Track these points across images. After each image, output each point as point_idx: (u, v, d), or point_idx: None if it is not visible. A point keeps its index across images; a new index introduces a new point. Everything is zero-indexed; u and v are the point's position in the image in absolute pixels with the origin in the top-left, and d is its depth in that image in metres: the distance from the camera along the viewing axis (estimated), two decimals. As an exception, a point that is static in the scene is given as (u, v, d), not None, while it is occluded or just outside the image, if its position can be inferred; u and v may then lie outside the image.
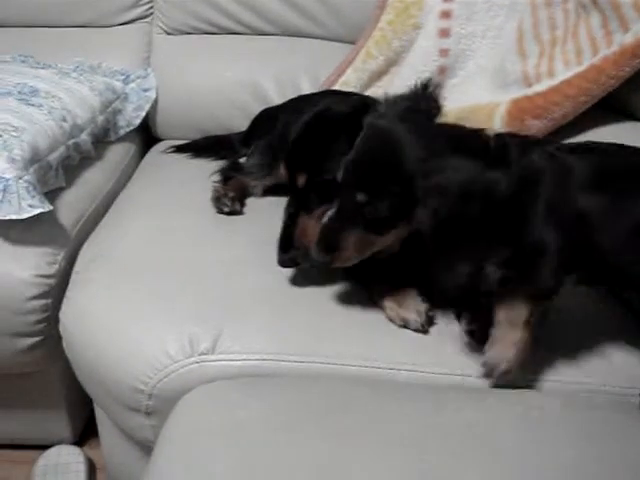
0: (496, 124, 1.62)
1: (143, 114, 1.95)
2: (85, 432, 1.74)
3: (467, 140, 1.20)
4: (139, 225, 1.55)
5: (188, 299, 1.34)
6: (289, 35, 1.98)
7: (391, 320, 1.29)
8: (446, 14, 1.74)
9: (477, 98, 1.71)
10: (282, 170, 1.40)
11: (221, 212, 1.58)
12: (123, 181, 1.82)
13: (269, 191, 1.66)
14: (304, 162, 1.35)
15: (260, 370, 1.24)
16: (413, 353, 1.26)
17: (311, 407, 1.12)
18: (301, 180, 1.35)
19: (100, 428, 1.53)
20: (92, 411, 1.57)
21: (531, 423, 1.11)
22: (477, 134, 1.22)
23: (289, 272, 1.37)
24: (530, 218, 1.15)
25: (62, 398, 1.66)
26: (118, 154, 1.89)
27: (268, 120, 1.74)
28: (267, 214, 1.57)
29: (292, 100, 1.78)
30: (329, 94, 1.76)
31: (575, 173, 1.17)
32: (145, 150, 2.01)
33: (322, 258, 1.25)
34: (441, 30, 1.75)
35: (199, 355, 1.26)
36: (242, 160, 1.73)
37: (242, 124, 1.94)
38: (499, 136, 1.22)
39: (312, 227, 1.31)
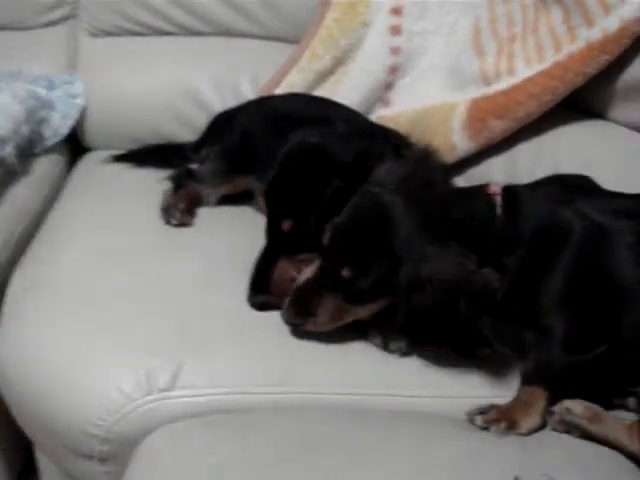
0: (455, 126, 1.54)
1: (71, 123, 1.79)
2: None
3: (469, 212, 1.13)
4: (77, 246, 1.40)
5: (140, 328, 1.22)
6: (226, 35, 1.85)
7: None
8: (397, 11, 1.65)
9: (431, 98, 1.63)
10: (260, 204, 1.29)
11: (168, 223, 1.45)
12: (53, 197, 1.66)
13: (223, 200, 1.55)
14: (292, 206, 1.25)
15: (228, 405, 1.13)
16: (391, 377, 1.17)
17: (289, 446, 1.02)
18: (286, 225, 1.25)
19: (42, 475, 1.38)
20: (31, 455, 1.42)
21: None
22: (479, 198, 1.14)
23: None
24: (539, 298, 1.10)
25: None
26: (45, 167, 1.72)
27: (223, 125, 1.62)
28: (221, 226, 1.48)
29: (251, 103, 1.66)
30: (297, 98, 1.65)
31: (614, 240, 1.10)
32: (74, 162, 1.85)
33: (294, 320, 1.17)
34: (392, 27, 1.66)
35: (159, 392, 1.14)
36: (194, 167, 1.60)
37: (179, 131, 1.82)
38: (510, 191, 1.15)
39: (290, 275, 1.22)
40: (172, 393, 1.13)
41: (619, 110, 1.45)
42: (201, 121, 1.77)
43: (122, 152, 1.76)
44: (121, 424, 1.12)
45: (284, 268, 1.24)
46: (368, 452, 0.99)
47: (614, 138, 1.45)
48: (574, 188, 1.18)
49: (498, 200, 1.15)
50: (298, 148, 1.29)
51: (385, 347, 1.18)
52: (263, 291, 1.23)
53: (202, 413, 1.11)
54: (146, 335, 1.20)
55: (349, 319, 1.17)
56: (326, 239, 1.16)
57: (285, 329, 1.21)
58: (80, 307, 1.26)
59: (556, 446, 1.05)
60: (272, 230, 1.27)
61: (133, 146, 1.80)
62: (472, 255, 1.08)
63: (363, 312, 1.16)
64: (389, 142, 1.35)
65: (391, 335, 1.18)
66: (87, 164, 1.80)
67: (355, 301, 1.14)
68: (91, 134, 1.86)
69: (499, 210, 1.14)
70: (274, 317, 1.22)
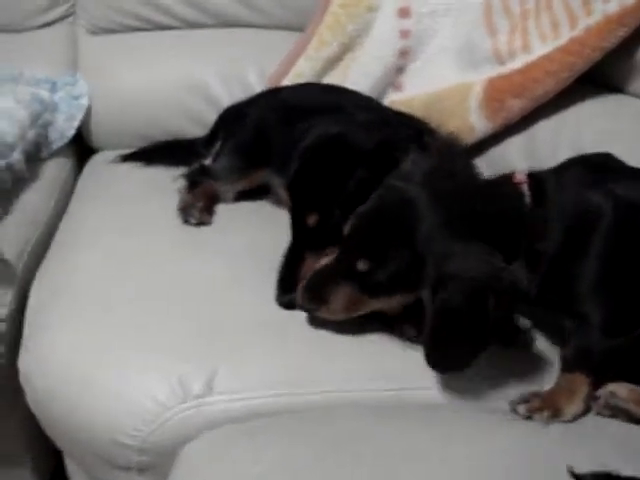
0: (471, 106, 1.52)
1: (77, 124, 1.75)
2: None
3: (498, 203, 1.10)
4: (95, 251, 1.37)
5: (169, 333, 1.19)
6: (228, 26, 1.81)
7: None
8: (405, -7, 1.62)
9: (445, 80, 1.59)
10: (283, 198, 1.25)
11: (187, 223, 1.42)
12: (64, 201, 1.63)
13: (240, 196, 1.52)
14: (316, 199, 1.22)
15: (265, 408, 1.11)
16: (425, 372, 1.13)
17: (330, 448, 0.99)
18: (312, 220, 1.22)
19: (73, 484, 1.36)
20: (61, 462, 1.40)
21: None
22: (506, 189, 1.11)
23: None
24: (575, 285, 1.07)
25: (23, 451, 1.47)
26: (53, 171, 1.68)
27: (234, 118, 1.58)
28: (240, 223, 1.45)
29: (261, 95, 1.63)
30: (308, 87, 1.62)
31: None
32: (80, 164, 1.82)
33: (307, 305, 1.15)
34: (400, 10, 1.62)
35: (194, 398, 1.11)
36: (208, 163, 1.57)
37: (188, 127, 1.79)
38: (535, 178, 1.12)
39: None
40: (208, 399, 1.11)
41: (637, 83, 1.43)
42: (209, 115, 1.75)
43: (130, 151, 1.73)
44: (157, 434, 1.10)
45: (311, 264, 1.21)
46: (414, 449, 0.97)
47: (635, 111, 1.42)
48: (599, 169, 1.15)
49: (525, 189, 1.12)
50: (320, 140, 1.26)
51: (419, 337, 1.16)
52: (291, 289, 1.20)
53: (240, 418, 1.09)
54: (176, 340, 1.17)
55: (365, 310, 1.14)
56: (347, 228, 1.13)
57: (315, 329, 1.18)
58: (104, 314, 1.23)
59: (603, 432, 1.03)
60: (297, 226, 1.24)
61: (141, 144, 1.76)
62: (498, 253, 1.05)
63: (379, 304, 1.13)
64: (410, 128, 1.31)
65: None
66: (95, 165, 1.76)
67: (371, 293, 1.11)
68: (97, 134, 1.82)
69: (527, 199, 1.11)
70: (304, 315, 1.20)
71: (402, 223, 1.08)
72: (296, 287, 1.18)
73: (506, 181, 1.14)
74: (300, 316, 1.20)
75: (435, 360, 1.08)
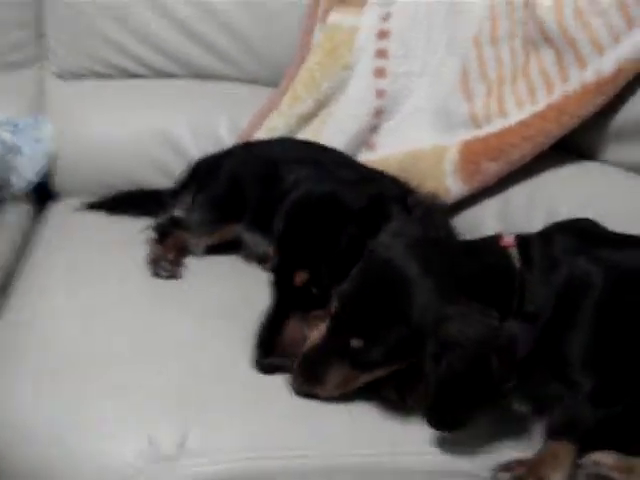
0: (447, 169, 1.51)
1: (39, 169, 1.71)
2: None
3: (486, 267, 1.09)
4: (59, 305, 1.31)
5: (139, 391, 1.13)
6: (201, 77, 1.81)
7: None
8: (382, 53, 1.63)
9: (419, 142, 1.60)
10: (258, 253, 1.24)
11: (157, 276, 1.38)
12: (24, 248, 1.57)
13: (210, 250, 1.49)
14: (306, 258, 1.17)
15: (241, 472, 1.05)
16: (413, 435, 1.11)
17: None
18: (300, 278, 1.17)
19: None
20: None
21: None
22: (494, 252, 1.10)
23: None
24: (565, 352, 1.06)
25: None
26: (14, 217, 1.63)
27: (207, 170, 1.55)
28: (211, 277, 1.42)
29: (236, 148, 1.61)
30: (286, 142, 1.61)
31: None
32: (41, 211, 1.76)
33: (302, 389, 1.12)
34: (377, 70, 1.63)
35: (165, 460, 1.05)
36: (179, 215, 1.54)
37: (154, 177, 1.77)
38: (523, 241, 1.11)
39: (302, 333, 1.17)
40: (180, 462, 1.05)
41: (612, 151, 1.44)
42: (177, 167, 1.73)
43: (96, 200, 1.68)
44: (125, 496, 1.04)
45: (295, 325, 1.17)
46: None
47: (610, 179, 1.43)
48: (586, 234, 1.15)
49: (514, 252, 1.11)
50: (309, 197, 1.23)
51: (402, 402, 1.13)
52: (272, 352, 1.16)
53: (213, 482, 1.04)
54: (146, 398, 1.11)
55: (358, 385, 1.11)
56: (334, 306, 1.10)
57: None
58: (69, 373, 1.16)
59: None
60: (282, 284, 1.20)
61: (105, 192, 1.72)
62: (493, 311, 1.04)
63: (373, 377, 1.11)
64: (394, 186, 1.30)
65: (407, 389, 1.12)
66: (58, 212, 1.71)
67: (365, 369, 1.09)
68: (62, 180, 1.78)
69: (517, 263, 1.10)
70: (282, 376, 1.16)
71: (393, 296, 1.05)
72: (276, 350, 1.15)
73: (493, 243, 1.13)
74: (276, 376, 1.16)
75: (438, 422, 1.05)
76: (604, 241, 1.14)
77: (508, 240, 1.12)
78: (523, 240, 1.13)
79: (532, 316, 1.07)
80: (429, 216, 1.18)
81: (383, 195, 1.22)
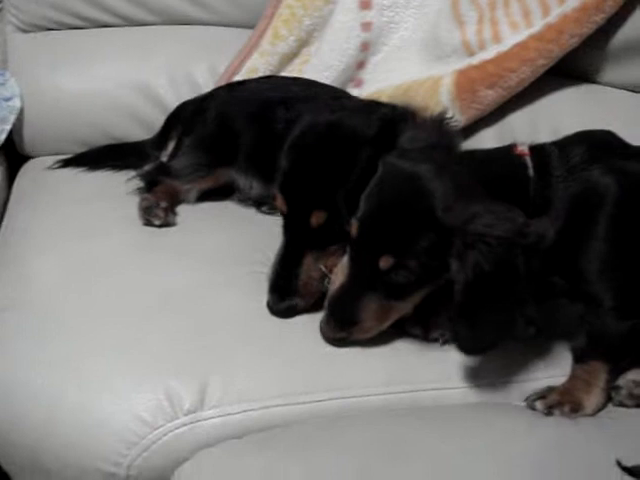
0: (443, 99, 1.45)
1: (8, 128, 1.59)
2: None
3: (500, 174, 1.04)
4: (51, 259, 1.24)
5: (151, 346, 1.07)
6: (174, 23, 1.70)
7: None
8: (365, -17, 1.56)
9: (410, 74, 1.53)
10: (279, 200, 1.12)
11: (150, 225, 1.31)
12: (2, 212, 1.48)
13: (203, 196, 1.41)
14: (321, 196, 1.08)
15: (268, 421, 1.00)
16: (436, 370, 1.07)
17: (364, 465, 0.88)
18: (318, 219, 1.09)
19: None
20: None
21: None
22: (509, 160, 1.05)
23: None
24: (583, 261, 1.01)
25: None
26: (-15, 179, 1.54)
27: (193, 114, 1.47)
28: (208, 224, 1.35)
29: (221, 89, 1.52)
30: (274, 80, 1.52)
31: None
32: (11, 172, 1.66)
33: (337, 334, 1.05)
34: (362, 2, 1.55)
35: (185, 415, 1.00)
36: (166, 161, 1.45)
37: (132, 130, 1.66)
38: (538, 151, 1.06)
39: (318, 271, 1.10)
40: (202, 414, 1.00)
41: (612, 72, 1.40)
42: (155, 117, 1.64)
43: (71, 156, 1.59)
44: (145, 457, 0.98)
45: (311, 264, 1.11)
46: (447, 452, 0.89)
47: (612, 100, 1.39)
48: (603, 145, 1.10)
49: (528, 161, 1.06)
50: (313, 127, 1.13)
51: (426, 336, 1.08)
52: (289, 294, 1.10)
53: (239, 434, 0.98)
54: (158, 352, 1.06)
55: (396, 317, 1.05)
56: (354, 230, 1.03)
57: (312, 330, 1.08)
58: (71, 330, 1.10)
59: (632, 421, 0.98)
60: (296, 226, 1.11)
61: (81, 150, 1.62)
62: (518, 209, 0.99)
63: (407, 307, 1.05)
64: (400, 110, 1.22)
65: (431, 322, 1.08)
66: (31, 172, 1.60)
67: (398, 295, 1.02)
68: (31, 140, 1.66)
69: (531, 171, 1.05)
70: (297, 320, 1.11)
71: (415, 203, 0.99)
72: (295, 292, 1.09)
73: (507, 151, 1.08)
74: (292, 319, 1.10)
75: (466, 340, 1.00)
76: (621, 152, 1.09)
77: (522, 149, 1.07)
78: (538, 149, 1.08)
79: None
80: (439, 127, 1.11)
81: (394, 118, 1.14)
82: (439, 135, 1.11)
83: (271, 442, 0.94)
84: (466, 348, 1.02)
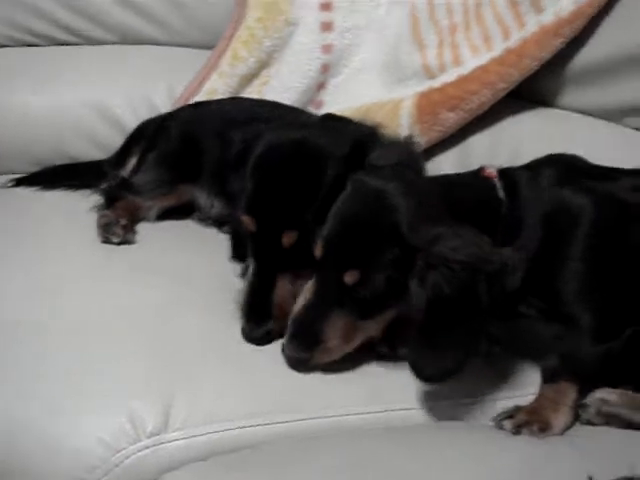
0: (403, 121, 1.46)
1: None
2: None
3: (470, 197, 1.05)
4: (8, 281, 1.19)
5: (112, 366, 1.04)
6: (132, 43, 1.68)
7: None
8: (326, 6, 1.55)
9: (372, 96, 1.53)
10: (245, 220, 1.09)
11: (108, 242, 1.28)
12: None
13: (163, 214, 1.39)
14: (292, 215, 1.06)
15: (235, 442, 0.98)
16: (405, 389, 1.05)
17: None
18: (289, 239, 1.06)
19: None
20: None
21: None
22: (478, 183, 1.06)
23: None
24: (560, 281, 1.02)
25: None
26: None
27: (156, 131, 1.45)
28: (168, 243, 1.33)
29: (184, 108, 1.51)
30: (237, 100, 1.52)
31: (630, 211, 1.04)
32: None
33: (300, 354, 1.02)
34: (323, 24, 1.56)
35: (148, 437, 0.97)
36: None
37: (89, 151, 1.63)
38: (507, 174, 1.07)
39: (291, 292, 1.08)
40: (166, 436, 0.96)
41: (570, 97, 1.42)
42: (112, 137, 1.62)
43: (25, 174, 1.55)
44: (106, 480, 0.94)
45: (284, 287, 1.08)
46: (416, 472, 0.87)
47: (570, 125, 1.41)
48: (572, 166, 1.12)
49: (497, 183, 1.07)
50: (281, 147, 1.11)
51: (393, 353, 1.07)
52: (264, 319, 1.07)
53: (204, 456, 0.95)
54: (120, 373, 1.03)
55: (361, 338, 1.03)
56: (319, 247, 1.02)
57: (279, 349, 1.06)
58: (29, 349, 1.06)
59: (601, 438, 0.97)
60: (266, 248, 1.08)
61: (35, 169, 1.59)
62: (485, 236, 0.99)
63: (374, 326, 1.04)
64: (365, 129, 1.21)
65: (397, 339, 1.07)
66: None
67: (365, 312, 1.01)
68: (-17, 157, 1.63)
69: (500, 193, 1.06)
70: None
71: (381, 217, 0.99)
72: (269, 317, 1.06)
73: (475, 174, 1.09)
74: (259, 339, 1.08)
75: (424, 365, 0.99)
76: (590, 172, 1.11)
77: (490, 171, 1.08)
78: (506, 172, 1.09)
79: (519, 247, 1.03)
80: (408, 148, 1.11)
81: (364, 137, 1.13)
82: (407, 155, 1.11)
83: (238, 464, 0.91)
84: (424, 375, 1.01)
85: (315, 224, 1.04)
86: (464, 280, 0.95)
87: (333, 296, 1.01)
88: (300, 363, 1.03)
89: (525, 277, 1.02)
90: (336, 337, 1.01)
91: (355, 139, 1.12)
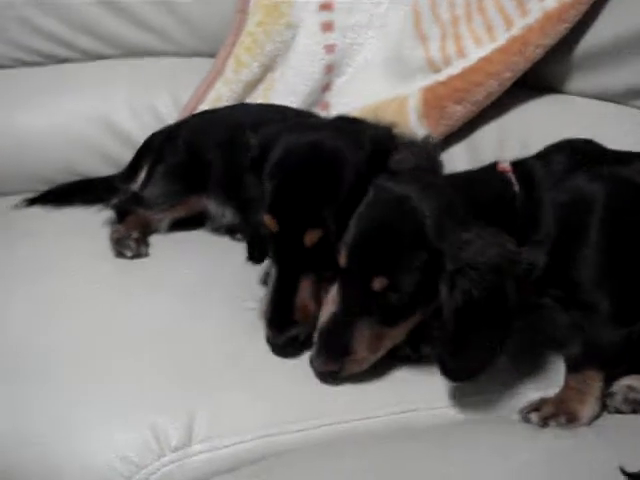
0: (411, 118, 1.45)
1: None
2: None
3: (486, 193, 1.03)
4: (22, 300, 1.19)
5: (133, 381, 1.04)
6: (135, 56, 1.69)
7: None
8: (326, 6, 1.55)
9: (376, 95, 1.53)
10: (267, 221, 1.07)
11: (122, 256, 1.28)
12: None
13: (175, 225, 1.39)
14: (315, 214, 1.04)
15: (259, 452, 0.97)
16: (427, 389, 1.04)
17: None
18: (312, 238, 1.04)
19: None
20: None
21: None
22: (492, 178, 1.05)
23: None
24: (578, 273, 1.00)
25: None
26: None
27: (164, 142, 1.45)
28: (182, 254, 1.32)
29: (192, 117, 1.51)
30: (245, 106, 1.52)
31: None
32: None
33: (328, 367, 1.01)
34: (324, 24, 1.55)
35: (173, 452, 0.96)
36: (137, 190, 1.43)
37: (98, 166, 1.64)
38: (520, 166, 1.06)
39: (314, 295, 1.07)
40: (190, 449, 0.96)
41: (576, 82, 1.40)
42: (120, 151, 1.63)
43: (37, 194, 1.55)
44: (134, 498, 0.94)
45: (307, 289, 1.07)
46: (448, 472, 0.86)
47: (578, 109, 1.40)
48: (583, 151, 1.10)
49: (512, 177, 1.06)
50: (303, 146, 1.09)
51: (416, 353, 1.06)
52: (288, 325, 1.05)
53: (230, 467, 0.94)
54: (141, 388, 1.02)
55: (388, 346, 1.02)
56: (343, 255, 1.01)
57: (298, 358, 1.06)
58: (49, 366, 1.06)
59: (629, 428, 0.96)
60: (288, 248, 1.06)
61: (44, 188, 1.58)
62: (509, 236, 0.98)
63: (402, 332, 1.02)
64: (379, 130, 1.20)
65: (420, 341, 1.06)
66: (-2, 213, 1.57)
67: (391, 319, 1.00)
68: (-6, 180, 1.63)
69: (516, 187, 1.05)
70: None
71: (406, 222, 0.98)
72: (292, 322, 1.05)
73: (489, 170, 1.07)
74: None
75: (455, 367, 0.98)
76: (602, 157, 1.09)
77: (504, 166, 1.07)
78: (519, 164, 1.08)
79: (537, 241, 1.02)
80: (427, 150, 1.11)
81: (383, 138, 1.12)
82: (426, 157, 1.10)
83: (265, 473, 0.90)
84: (452, 375, 1.01)
85: (337, 225, 1.03)
86: (492, 283, 0.95)
87: (360, 305, 0.99)
88: (330, 376, 1.02)
89: (544, 268, 1.01)
90: (364, 348, 1.00)
91: (373, 139, 1.11)
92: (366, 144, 1.09)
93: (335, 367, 1.01)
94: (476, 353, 0.99)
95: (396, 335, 1.02)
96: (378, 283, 0.97)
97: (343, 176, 1.06)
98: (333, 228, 1.03)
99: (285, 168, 1.08)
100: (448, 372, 1.00)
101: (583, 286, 1.01)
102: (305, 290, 1.06)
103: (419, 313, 1.01)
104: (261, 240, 1.13)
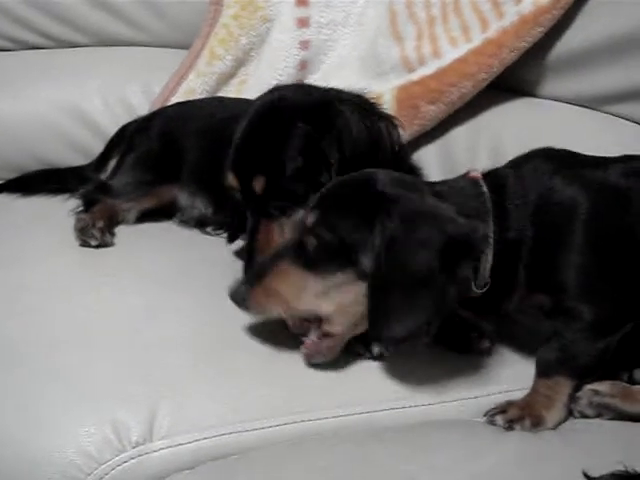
0: (384, 116, 1.44)
1: None
2: None
3: (455, 195, 1.03)
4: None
5: (94, 374, 1.02)
6: (107, 45, 1.67)
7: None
8: (303, 2, 1.54)
9: (351, 92, 1.52)
10: (229, 177, 1.13)
11: (86, 245, 1.26)
12: None
13: (143, 217, 1.37)
14: (260, 162, 1.11)
15: (222, 449, 0.95)
16: (392, 389, 1.03)
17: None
18: (258, 185, 1.10)
19: None
20: None
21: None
22: (464, 186, 1.05)
23: (220, 314, 1.08)
24: (561, 280, 0.99)
25: None
26: None
27: (135, 132, 1.43)
28: (147, 244, 1.31)
29: (166, 109, 1.50)
30: (218, 98, 1.52)
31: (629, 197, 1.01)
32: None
33: (243, 284, 1.03)
34: (299, 20, 1.54)
35: (134, 447, 0.94)
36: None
37: (67, 155, 1.62)
38: (492, 174, 1.06)
39: (277, 235, 1.10)
40: (151, 445, 0.94)
41: (549, 85, 1.41)
42: (89, 140, 1.62)
43: (3, 181, 1.53)
44: (92, 493, 0.92)
45: (270, 230, 1.11)
46: (410, 472, 0.85)
47: (551, 113, 1.40)
48: (560, 157, 1.09)
49: (482, 184, 1.04)
50: (259, 108, 1.17)
51: (368, 352, 1.05)
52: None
53: (191, 464, 0.93)
54: (102, 381, 1.00)
55: (313, 304, 0.99)
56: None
57: (263, 353, 1.05)
58: (9, 357, 1.04)
59: (595, 432, 0.96)
60: (247, 199, 1.13)
61: (14, 175, 1.56)
62: (452, 206, 0.99)
63: (326, 294, 0.99)
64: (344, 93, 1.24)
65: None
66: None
67: (313, 262, 0.99)
68: (-40, 166, 1.60)
69: (485, 189, 1.03)
70: (247, 341, 1.07)
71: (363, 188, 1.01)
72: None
73: (459, 177, 1.07)
74: (246, 341, 1.06)
75: (382, 325, 0.96)
76: (579, 162, 1.09)
77: (474, 175, 1.06)
78: (490, 171, 1.07)
79: (510, 242, 1.01)
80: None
81: (332, 95, 1.18)
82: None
83: (226, 471, 0.89)
84: (381, 334, 0.99)
85: (289, 178, 1.10)
86: (421, 237, 0.95)
87: (290, 248, 1.02)
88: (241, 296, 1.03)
89: (526, 273, 1.01)
90: (281, 282, 1.00)
91: (324, 98, 1.17)
92: (313, 100, 1.16)
93: (245, 287, 1.02)
94: (406, 313, 0.96)
95: (319, 290, 0.99)
96: (311, 216, 0.99)
97: (288, 129, 1.11)
98: (280, 177, 1.09)
99: (240, 129, 1.15)
100: (377, 332, 0.98)
101: (568, 291, 1.00)
102: (264, 233, 1.11)
103: (341, 272, 0.98)
104: (240, 216, 1.17)
